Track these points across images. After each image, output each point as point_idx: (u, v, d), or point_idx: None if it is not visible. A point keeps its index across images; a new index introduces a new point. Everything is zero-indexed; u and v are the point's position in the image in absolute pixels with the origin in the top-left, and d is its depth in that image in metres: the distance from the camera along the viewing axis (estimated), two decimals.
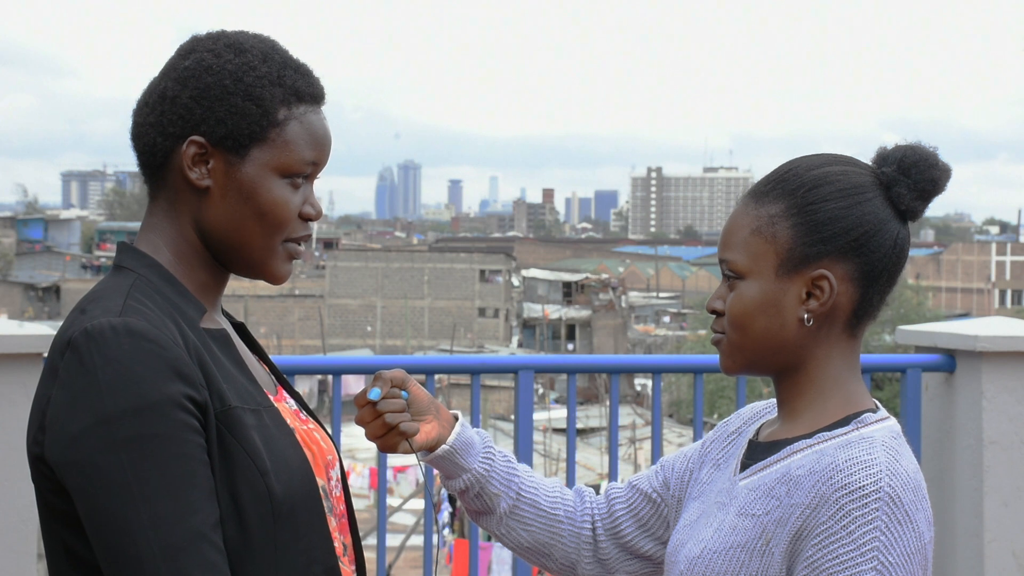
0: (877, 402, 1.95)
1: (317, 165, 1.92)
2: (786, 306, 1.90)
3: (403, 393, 2.07)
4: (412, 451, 2.08)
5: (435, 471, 2.20)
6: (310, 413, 2.02)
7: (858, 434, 1.86)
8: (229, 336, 1.91)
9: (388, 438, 2.05)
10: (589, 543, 2.17)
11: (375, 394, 2.04)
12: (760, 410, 2.08)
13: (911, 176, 1.91)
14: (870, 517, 1.76)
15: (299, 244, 1.93)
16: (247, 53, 1.87)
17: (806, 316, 1.89)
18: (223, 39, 1.89)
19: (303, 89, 1.89)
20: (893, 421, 1.91)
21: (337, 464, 1.99)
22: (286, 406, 1.95)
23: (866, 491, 1.77)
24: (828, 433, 1.87)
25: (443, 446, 2.12)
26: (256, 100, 1.85)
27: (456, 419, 2.15)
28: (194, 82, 1.85)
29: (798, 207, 1.90)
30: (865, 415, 1.89)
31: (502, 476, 2.15)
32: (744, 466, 1.95)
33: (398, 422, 2.03)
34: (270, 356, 2.07)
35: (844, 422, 1.88)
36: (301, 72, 1.91)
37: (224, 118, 1.85)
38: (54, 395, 1.73)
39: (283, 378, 2.03)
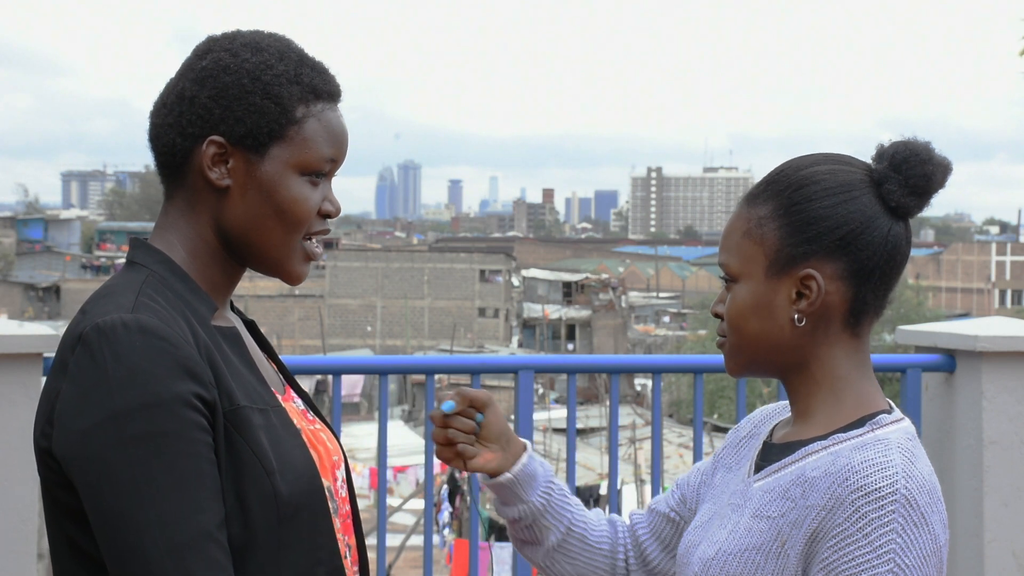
0: (891, 402, 1.95)
1: (335, 162, 1.92)
2: (778, 307, 1.90)
3: (478, 415, 2.09)
4: (464, 471, 2.10)
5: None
6: (317, 413, 2.03)
7: (873, 436, 1.85)
8: (240, 334, 1.91)
9: (445, 450, 2.08)
10: (623, 573, 2.18)
11: (448, 406, 2.07)
12: (771, 412, 2.08)
13: (902, 172, 1.89)
14: (886, 519, 1.76)
15: (317, 242, 1.93)
16: (264, 52, 1.88)
17: (797, 316, 1.89)
18: (239, 38, 1.89)
19: (320, 87, 1.90)
20: (908, 422, 1.90)
21: (343, 465, 2.00)
22: (294, 406, 1.95)
23: (882, 493, 1.77)
24: (843, 435, 1.87)
25: (506, 474, 2.11)
26: (275, 98, 1.86)
27: (525, 448, 2.15)
28: (212, 82, 1.85)
29: (784, 208, 1.90)
30: (880, 416, 1.88)
31: (556, 510, 2.15)
32: (759, 468, 1.95)
33: (458, 441, 2.07)
34: None
35: (859, 423, 1.88)
36: (318, 70, 1.91)
37: (243, 117, 1.85)
38: (64, 389, 1.73)
39: (291, 377, 2.04)
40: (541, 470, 2.15)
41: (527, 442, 2.16)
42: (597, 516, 2.21)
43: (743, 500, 1.93)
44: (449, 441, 2.06)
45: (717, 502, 2.00)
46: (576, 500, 2.20)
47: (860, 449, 1.83)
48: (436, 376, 4.28)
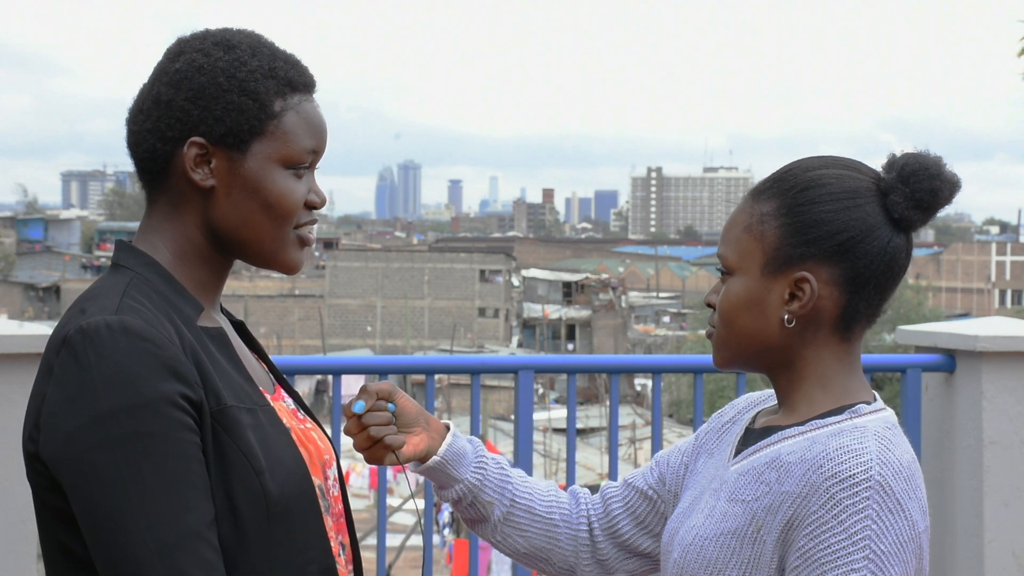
0: (876, 394, 1.95)
1: (317, 153, 1.92)
2: (769, 305, 1.90)
3: (390, 405, 2.07)
4: (399, 463, 2.07)
5: (423, 479, 2.19)
6: (308, 412, 2.02)
7: (851, 423, 1.86)
8: (226, 335, 1.90)
9: (374, 451, 2.05)
10: (587, 545, 2.16)
11: (359, 407, 2.04)
12: (755, 400, 2.09)
13: (909, 185, 1.89)
14: (861, 506, 1.76)
15: (308, 231, 1.93)
16: (236, 49, 1.87)
17: (787, 317, 1.89)
18: (210, 37, 1.89)
19: (295, 79, 1.90)
20: (889, 412, 1.91)
21: (335, 463, 1.99)
22: (283, 405, 1.94)
23: (856, 480, 1.77)
24: (820, 421, 1.87)
25: (434, 457, 2.11)
26: (251, 95, 1.85)
27: (448, 428, 2.15)
28: (187, 84, 1.85)
29: (788, 207, 1.90)
30: (859, 406, 1.89)
31: (495, 484, 2.15)
32: (738, 452, 1.96)
33: (383, 435, 2.04)
34: (270, 356, 2.07)
35: (838, 411, 1.88)
36: (291, 62, 1.91)
37: (222, 116, 1.84)
38: (49, 392, 1.73)
39: (282, 377, 2.03)
40: (470, 447, 2.14)
41: (450, 423, 2.16)
42: (548, 487, 2.19)
43: (720, 484, 1.94)
44: (373, 440, 2.04)
45: (698, 488, 2.00)
46: (519, 472, 2.19)
47: (836, 436, 1.83)
48: (436, 376, 4.28)
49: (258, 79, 1.86)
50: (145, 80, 1.91)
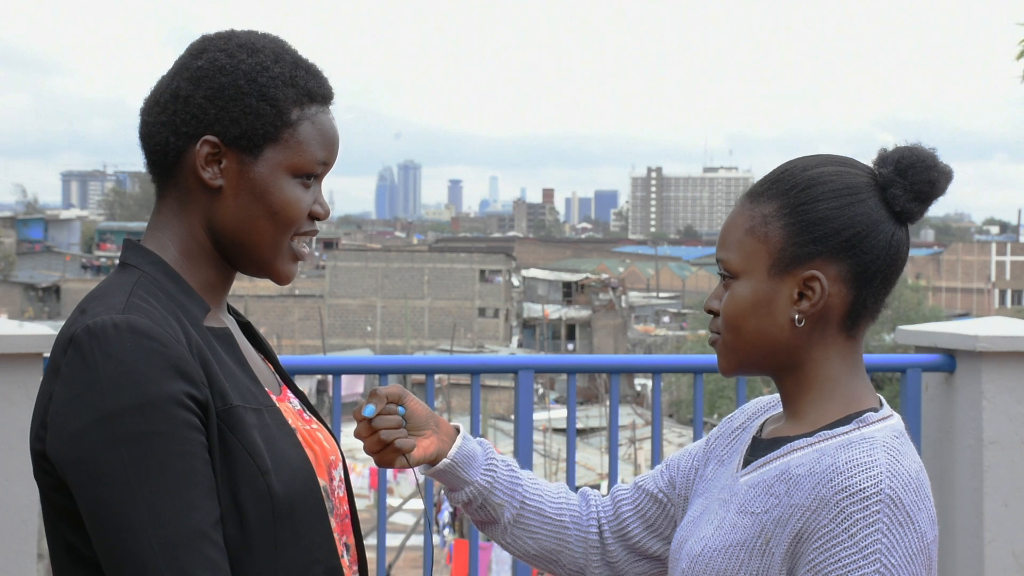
0: (882, 399, 1.95)
1: (327, 165, 1.93)
2: (778, 306, 1.89)
3: (400, 408, 2.08)
4: (409, 467, 2.07)
5: (423, 479, 2.19)
6: (315, 413, 2.03)
7: (859, 434, 1.85)
8: (232, 335, 1.91)
9: (384, 454, 2.05)
10: (597, 547, 2.17)
11: (369, 411, 2.04)
12: (764, 405, 2.08)
13: (907, 177, 1.90)
14: (871, 519, 1.76)
15: (304, 241, 1.93)
16: (259, 53, 1.88)
17: (797, 317, 1.89)
18: (235, 39, 1.90)
19: (314, 89, 1.91)
20: (896, 419, 1.90)
21: (340, 464, 1.99)
22: (289, 406, 1.95)
23: (866, 493, 1.77)
24: (829, 432, 1.87)
25: (444, 460, 2.12)
26: (270, 100, 1.86)
27: (458, 431, 2.15)
28: (208, 82, 1.86)
29: (791, 207, 1.90)
30: (867, 414, 1.88)
31: (505, 486, 2.15)
32: (747, 463, 1.95)
33: (393, 439, 2.04)
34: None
35: (846, 421, 1.88)
36: (312, 72, 1.92)
37: (238, 118, 1.85)
38: (56, 391, 1.74)
39: (288, 377, 2.04)
40: (480, 449, 2.15)
41: (459, 425, 2.17)
42: (558, 489, 2.20)
43: (730, 495, 1.93)
44: (384, 443, 2.04)
45: (708, 497, 2.00)
46: (529, 474, 2.19)
47: (845, 448, 1.83)
48: (436, 376, 4.28)
49: (278, 86, 1.87)
50: (164, 73, 1.91)
